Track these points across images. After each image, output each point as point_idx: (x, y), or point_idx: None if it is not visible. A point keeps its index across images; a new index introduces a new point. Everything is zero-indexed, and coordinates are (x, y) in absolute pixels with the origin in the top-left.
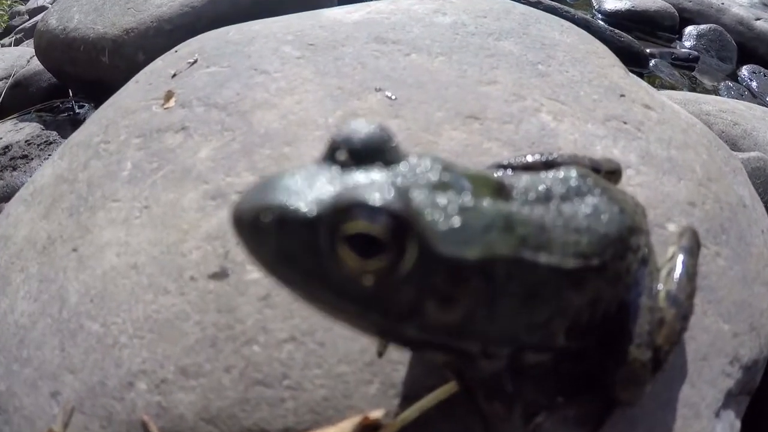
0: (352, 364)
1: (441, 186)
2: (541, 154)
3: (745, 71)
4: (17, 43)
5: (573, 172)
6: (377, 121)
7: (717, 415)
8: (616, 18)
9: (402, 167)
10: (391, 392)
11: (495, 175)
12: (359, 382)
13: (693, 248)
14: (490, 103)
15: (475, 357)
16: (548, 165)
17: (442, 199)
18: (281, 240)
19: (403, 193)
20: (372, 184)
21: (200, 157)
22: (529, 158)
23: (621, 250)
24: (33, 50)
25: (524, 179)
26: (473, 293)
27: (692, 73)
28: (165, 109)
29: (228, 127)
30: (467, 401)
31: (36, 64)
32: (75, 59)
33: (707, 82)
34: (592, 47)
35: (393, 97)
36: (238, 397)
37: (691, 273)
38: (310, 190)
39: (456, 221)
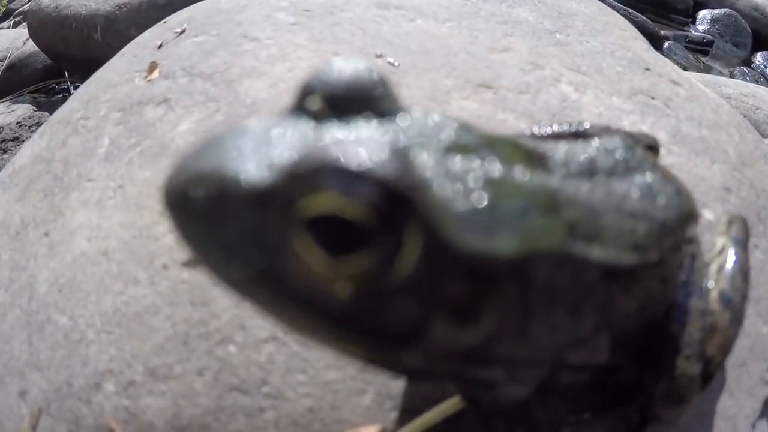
0: (343, 370)
1: (457, 149)
2: (570, 124)
3: (759, 57)
4: (15, 26)
5: (617, 142)
6: (366, 60)
7: (753, 426)
8: (628, 1)
9: (401, 121)
10: (387, 404)
11: (523, 140)
12: (350, 391)
13: (744, 240)
14: (505, 72)
15: (496, 383)
16: (578, 137)
17: (459, 166)
18: (216, 223)
19: (401, 154)
20: (354, 141)
21: (180, 130)
22: (555, 128)
23: (678, 241)
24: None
25: (561, 147)
26: (502, 303)
27: (706, 58)
28: (148, 81)
29: (212, 98)
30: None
31: (31, 46)
32: (67, 38)
33: (721, 68)
34: (612, 19)
35: (396, 64)
36: (212, 405)
37: (745, 269)
38: (265, 150)
39: (481, 198)
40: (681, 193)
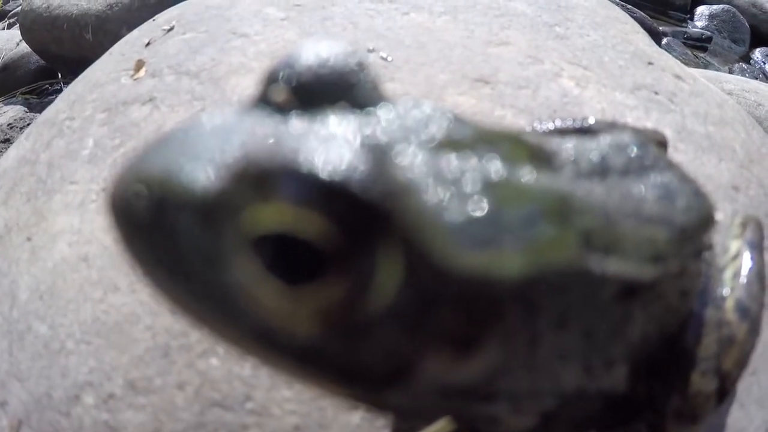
0: None
1: (449, 145)
2: (573, 120)
3: (758, 54)
4: (10, 27)
5: (629, 137)
6: (342, 41)
7: None
8: None
9: (382, 113)
10: (378, 423)
11: (525, 135)
12: (339, 408)
13: (760, 243)
14: (503, 66)
15: (498, 418)
16: (583, 133)
17: (452, 166)
18: (157, 236)
19: (378, 153)
20: (319, 137)
21: (165, 131)
22: (558, 123)
23: (699, 248)
24: None
25: (568, 143)
26: (506, 332)
27: (704, 55)
28: (134, 80)
29: (198, 96)
30: None
31: (24, 47)
32: (59, 38)
33: (719, 64)
34: (612, 12)
35: (389, 59)
36: (194, 421)
37: (762, 276)
38: (215, 150)
39: (481, 204)
40: (699, 194)
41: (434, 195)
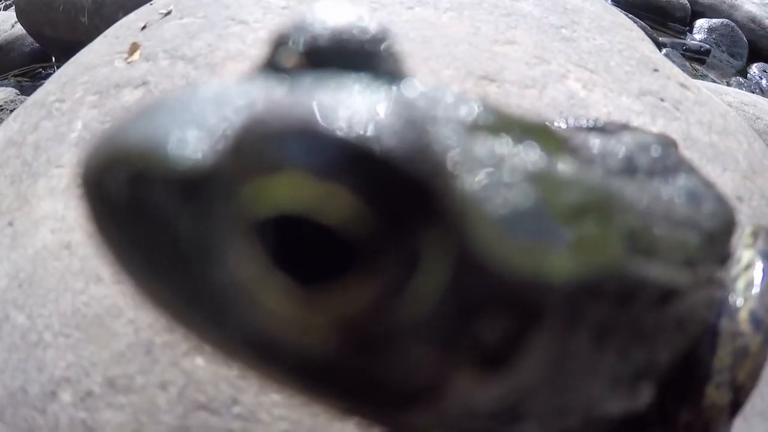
0: None
1: (483, 129)
2: (587, 120)
3: (755, 69)
4: (6, 8)
5: (651, 137)
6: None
7: None
8: (626, 7)
9: (407, 89)
10: (374, 430)
11: (554, 127)
12: (332, 414)
13: None
14: (509, 65)
15: None
16: (598, 132)
17: (489, 151)
18: (137, 219)
19: (416, 127)
20: (341, 100)
21: (151, 98)
22: (571, 122)
23: (724, 255)
24: None
25: (594, 138)
26: (545, 343)
27: (702, 67)
28: (128, 63)
29: (193, 82)
30: None
31: (19, 29)
32: (54, 20)
33: (717, 77)
34: (618, 18)
35: None
36: (176, 424)
37: None
38: (213, 117)
39: (526, 196)
40: (722, 199)
41: (479, 180)
